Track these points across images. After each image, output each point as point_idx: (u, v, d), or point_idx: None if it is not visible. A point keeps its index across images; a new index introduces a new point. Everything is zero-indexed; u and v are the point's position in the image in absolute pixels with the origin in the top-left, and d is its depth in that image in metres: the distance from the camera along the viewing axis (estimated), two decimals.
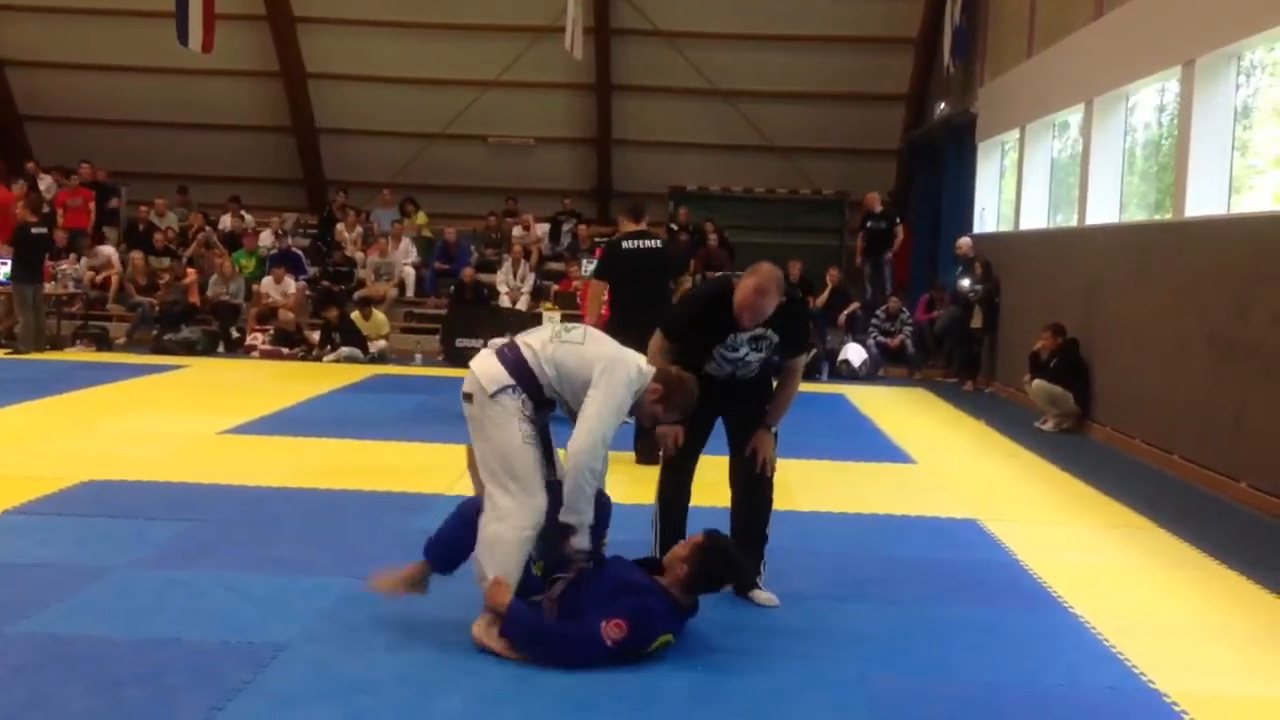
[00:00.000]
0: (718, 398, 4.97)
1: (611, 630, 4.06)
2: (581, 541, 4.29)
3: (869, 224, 16.16)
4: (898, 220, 16.42)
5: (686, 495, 5.10)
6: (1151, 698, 4.13)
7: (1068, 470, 8.42)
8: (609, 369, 4.30)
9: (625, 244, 8.00)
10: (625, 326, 7.76)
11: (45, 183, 16.88)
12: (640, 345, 7.74)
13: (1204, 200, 8.75)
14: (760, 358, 4.95)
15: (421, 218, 18.00)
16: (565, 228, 18.04)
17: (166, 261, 15.97)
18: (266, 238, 16.92)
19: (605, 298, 8.02)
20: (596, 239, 16.31)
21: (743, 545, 4.75)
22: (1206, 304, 8.24)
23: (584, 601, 4.21)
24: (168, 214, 17.49)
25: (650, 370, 4.45)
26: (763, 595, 4.93)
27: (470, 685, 3.97)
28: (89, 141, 18.74)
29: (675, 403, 4.46)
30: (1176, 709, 4.03)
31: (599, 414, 4.24)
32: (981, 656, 4.48)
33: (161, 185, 18.52)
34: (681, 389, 4.45)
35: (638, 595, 4.17)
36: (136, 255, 15.81)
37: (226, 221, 17.56)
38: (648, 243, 8.01)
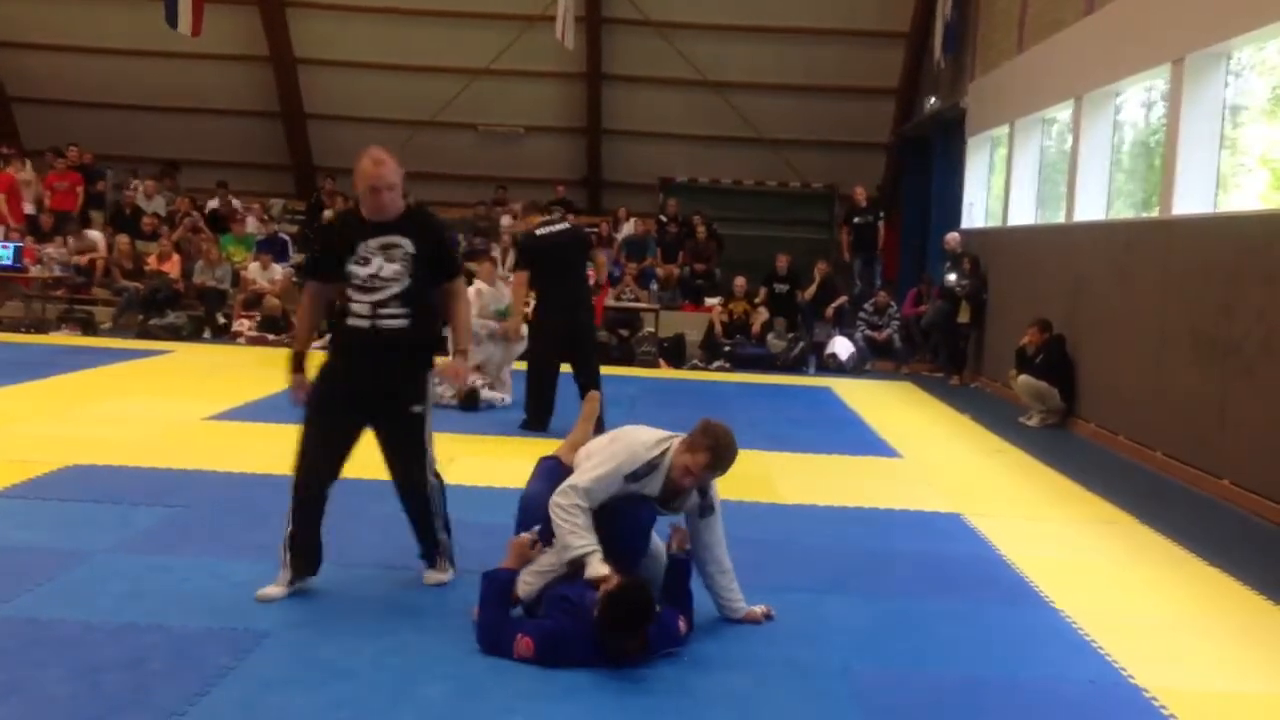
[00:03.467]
0: (368, 372, 4.60)
1: (521, 648, 4.06)
2: (593, 570, 4.19)
3: (855, 219, 16.18)
4: (881, 216, 16.47)
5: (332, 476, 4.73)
6: (1131, 692, 4.16)
7: (1051, 465, 8.45)
8: (615, 439, 4.53)
9: (540, 231, 8.66)
10: (552, 310, 8.52)
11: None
12: (571, 327, 8.41)
13: (1191, 198, 8.78)
14: (397, 271, 4.52)
15: None
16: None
17: (154, 246, 15.89)
18: (252, 223, 16.84)
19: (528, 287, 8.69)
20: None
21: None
22: (1191, 301, 8.28)
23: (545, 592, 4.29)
24: (155, 198, 17.40)
25: (665, 434, 4.49)
26: (433, 576, 4.94)
27: (452, 673, 3.97)
28: (76, 124, 18.64)
29: (701, 443, 4.37)
30: (1156, 704, 4.05)
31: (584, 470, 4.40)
32: (963, 649, 4.51)
33: (148, 169, 18.43)
34: (710, 432, 4.38)
35: (562, 619, 4.11)
36: (123, 239, 15.73)
37: (217, 203, 17.45)
38: (558, 226, 8.70)
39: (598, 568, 4.16)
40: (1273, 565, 5.98)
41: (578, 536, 4.22)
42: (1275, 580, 5.62)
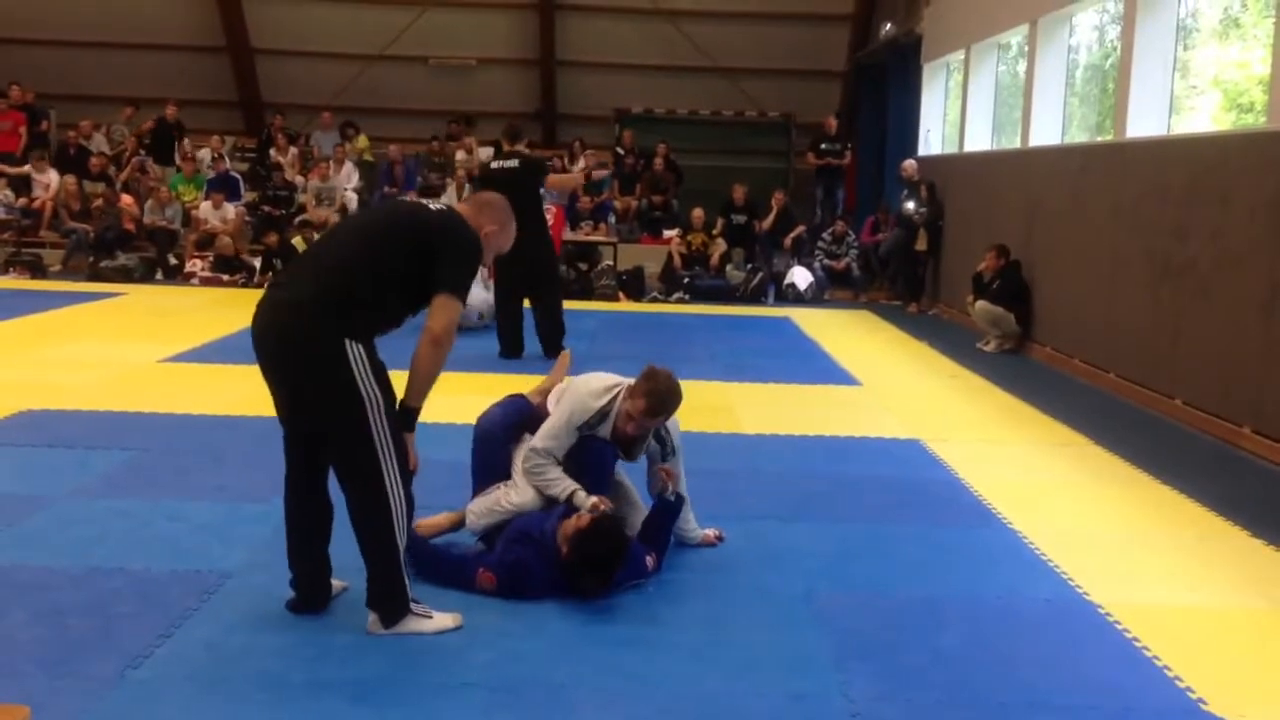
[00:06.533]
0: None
1: (482, 581, 4.08)
2: (584, 501, 4.27)
3: (823, 146, 16.12)
4: (848, 146, 16.44)
5: None
6: (1087, 609, 4.25)
7: (1008, 390, 8.55)
8: (565, 393, 4.54)
9: (493, 164, 9.06)
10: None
11: None
12: (526, 263, 8.24)
13: (1144, 121, 8.82)
14: None
15: (363, 141, 17.69)
16: None
17: (100, 187, 15.58)
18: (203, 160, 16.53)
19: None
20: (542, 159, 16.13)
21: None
22: (1145, 225, 8.35)
23: (502, 532, 4.30)
24: (94, 136, 17.02)
25: (615, 380, 4.50)
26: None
27: None
28: (14, 62, 18.13)
29: (640, 389, 4.38)
30: (1110, 619, 4.14)
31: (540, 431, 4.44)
32: (923, 571, 4.58)
33: (91, 107, 17.99)
34: (649, 377, 4.39)
35: (524, 549, 4.13)
36: (69, 180, 15.41)
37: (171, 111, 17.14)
38: (508, 163, 8.93)
39: (586, 498, 4.26)
40: (1223, 482, 6.10)
41: (555, 485, 4.31)
42: (1225, 496, 5.75)
